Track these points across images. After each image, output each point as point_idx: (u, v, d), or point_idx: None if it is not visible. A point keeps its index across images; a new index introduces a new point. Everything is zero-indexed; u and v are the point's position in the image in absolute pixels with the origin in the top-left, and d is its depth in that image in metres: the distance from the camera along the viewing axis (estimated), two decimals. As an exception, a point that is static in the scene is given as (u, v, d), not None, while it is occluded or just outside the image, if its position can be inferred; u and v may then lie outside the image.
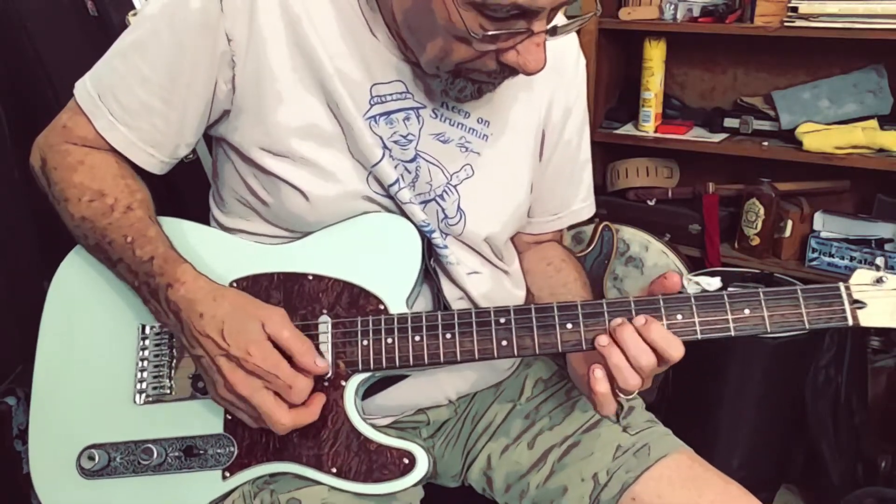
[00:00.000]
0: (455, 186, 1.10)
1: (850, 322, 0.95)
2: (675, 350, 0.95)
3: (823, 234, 2.37)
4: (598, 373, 0.96)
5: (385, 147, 1.05)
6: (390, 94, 1.05)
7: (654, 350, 0.94)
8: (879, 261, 0.98)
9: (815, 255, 2.34)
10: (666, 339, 0.94)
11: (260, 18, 1.00)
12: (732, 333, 0.97)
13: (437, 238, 1.08)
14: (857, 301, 0.96)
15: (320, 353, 1.00)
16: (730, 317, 0.97)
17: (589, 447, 1.11)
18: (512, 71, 0.96)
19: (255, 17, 1.00)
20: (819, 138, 2.22)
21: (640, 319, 0.95)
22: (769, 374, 2.04)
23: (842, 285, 0.97)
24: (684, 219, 2.54)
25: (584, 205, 1.29)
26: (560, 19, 0.96)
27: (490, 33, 0.89)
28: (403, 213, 1.07)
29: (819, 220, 2.41)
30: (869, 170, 2.20)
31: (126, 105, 1.04)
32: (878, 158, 2.17)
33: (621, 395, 0.97)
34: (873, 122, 2.23)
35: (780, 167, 2.38)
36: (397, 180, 1.05)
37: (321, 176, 1.04)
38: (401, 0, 0.96)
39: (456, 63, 0.96)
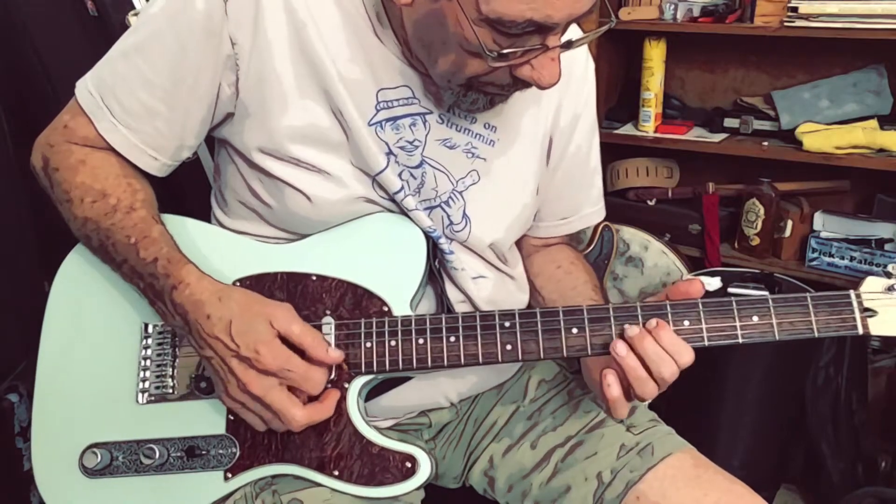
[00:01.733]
0: (461, 193, 1.09)
1: (861, 331, 0.94)
2: (685, 356, 0.95)
3: (823, 234, 2.37)
4: (610, 378, 0.97)
5: (390, 153, 1.04)
6: (396, 100, 1.04)
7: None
8: (892, 268, 0.96)
9: (815, 255, 2.34)
10: (676, 346, 0.95)
11: (264, 23, 1.00)
12: (740, 341, 0.96)
13: (443, 243, 1.08)
14: (867, 309, 0.95)
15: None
16: (738, 324, 0.96)
17: (592, 447, 1.11)
18: (525, 84, 0.95)
19: (260, 21, 1.00)
20: (819, 138, 2.22)
21: (651, 322, 0.95)
22: (769, 374, 2.04)
23: (852, 293, 0.96)
24: (684, 219, 2.54)
25: (594, 209, 1.30)
26: (574, 31, 0.95)
27: (505, 51, 0.89)
28: (409, 219, 1.06)
29: (819, 220, 2.41)
30: (869, 170, 2.20)
31: (128, 107, 1.03)
32: (878, 158, 2.18)
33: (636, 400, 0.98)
34: (873, 122, 2.23)
35: (780, 167, 2.38)
36: (402, 188, 1.05)
37: (325, 180, 1.04)
38: (411, 12, 0.95)
39: (469, 77, 0.95)
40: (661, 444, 1.09)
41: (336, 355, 0.98)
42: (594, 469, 1.08)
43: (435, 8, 0.91)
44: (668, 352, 0.94)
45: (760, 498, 1.05)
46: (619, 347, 0.95)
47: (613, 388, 0.97)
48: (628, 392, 0.97)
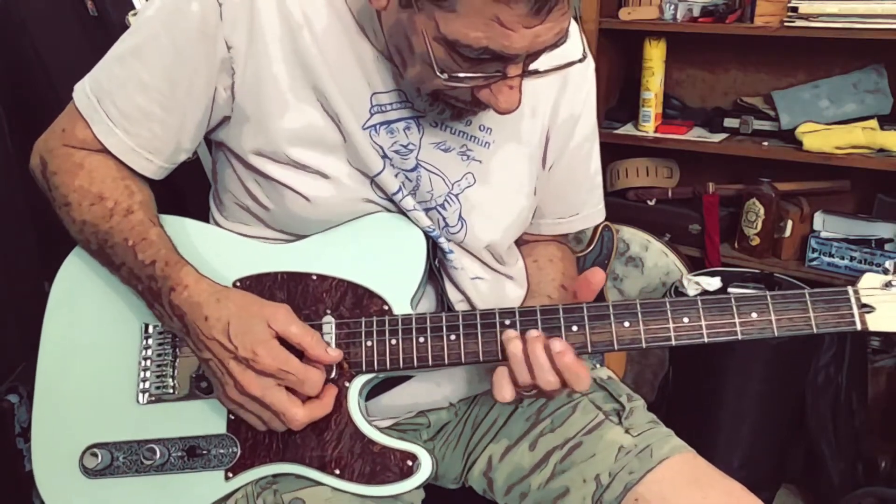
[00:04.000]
0: (456, 195, 1.09)
1: (859, 326, 0.95)
2: (579, 384, 0.96)
3: (823, 234, 2.37)
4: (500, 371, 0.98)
5: (385, 157, 1.05)
6: (390, 103, 1.04)
7: (559, 375, 0.96)
8: (889, 264, 0.97)
9: (815, 255, 2.34)
10: (573, 372, 0.95)
11: (260, 26, 1.00)
12: (739, 337, 0.96)
13: (443, 243, 1.08)
14: (865, 305, 0.95)
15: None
16: (737, 320, 0.96)
17: (591, 448, 1.10)
18: (486, 105, 0.95)
19: (255, 25, 1.00)
20: (819, 138, 2.22)
21: (556, 345, 0.95)
22: (769, 374, 2.04)
23: (850, 289, 0.96)
24: (684, 219, 2.54)
25: (595, 209, 1.30)
26: (558, 56, 0.94)
27: (460, 75, 0.89)
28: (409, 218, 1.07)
29: (819, 220, 2.41)
30: (869, 170, 2.20)
31: (124, 110, 1.03)
32: (878, 158, 2.18)
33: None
34: (873, 122, 2.23)
35: (780, 167, 2.38)
36: (399, 189, 1.05)
37: (324, 181, 1.04)
38: (386, 17, 0.96)
39: (434, 89, 0.96)
40: (660, 447, 1.08)
41: (335, 354, 0.98)
42: (592, 471, 1.08)
43: (402, 18, 0.91)
44: (560, 372, 0.96)
45: (759, 500, 1.04)
46: (509, 331, 0.97)
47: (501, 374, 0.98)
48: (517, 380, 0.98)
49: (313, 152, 1.03)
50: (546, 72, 0.93)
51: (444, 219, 1.09)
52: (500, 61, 0.89)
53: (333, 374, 1.00)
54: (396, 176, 1.05)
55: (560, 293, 1.20)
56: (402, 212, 1.06)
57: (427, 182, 1.08)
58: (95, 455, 1.03)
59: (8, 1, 1.44)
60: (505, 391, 0.98)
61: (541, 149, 1.16)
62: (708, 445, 1.14)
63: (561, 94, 1.15)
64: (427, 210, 1.08)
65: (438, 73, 0.89)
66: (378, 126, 1.04)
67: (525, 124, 1.13)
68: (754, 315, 0.96)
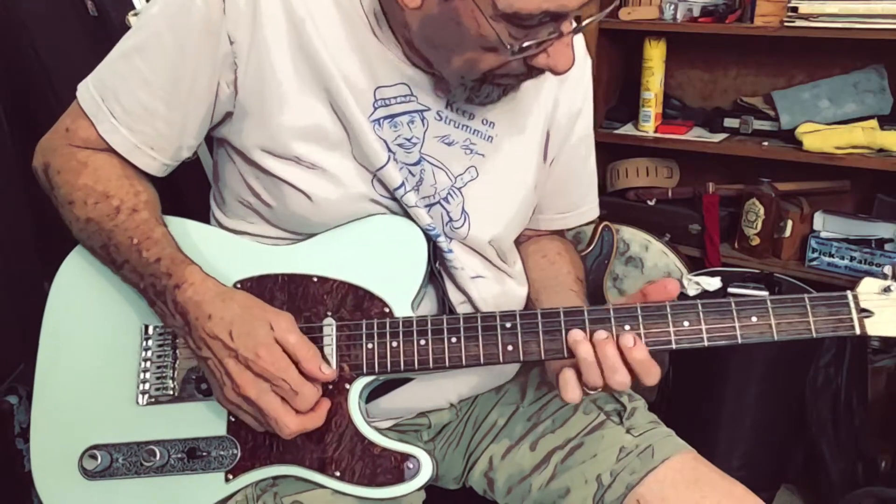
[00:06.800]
0: (459, 189, 1.09)
1: (858, 331, 0.95)
2: (650, 379, 0.96)
3: (823, 234, 2.37)
4: (568, 373, 0.98)
5: (389, 150, 1.05)
6: (394, 97, 1.04)
7: (630, 370, 0.95)
8: (888, 268, 0.98)
9: (815, 255, 2.34)
10: (644, 365, 0.95)
11: (263, 20, 1.00)
12: (739, 341, 0.96)
13: (442, 242, 1.08)
14: (864, 310, 0.96)
15: (326, 360, 1.00)
16: (737, 324, 0.96)
17: (592, 449, 1.11)
18: (540, 71, 0.96)
19: (258, 19, 1.00)
20: (819, 138, 2.23)
21: (628, 340, 0.95)
22: (769, 374, 2.04)
23: (849, 293, 0.96)
24: (684, 219, 2.55)
25: (591, 206, 1.30)
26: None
27: (525, 44, 0.90)
28: (409, 217, 1.06)
29: (819, 220, 2.41)
30: (869, 170, 2.20)
31: (128, 108, 1.03)
32: (878, 158, 2.18)
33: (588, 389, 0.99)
34: (873, 122, 2.23)
35: (780, 167, 2.38)
36: (402, 184, 1.05)
37: (325, 178, 1.03)
38: (418, 13, 0.95)
39: (484, 71, 0.96)
40: (661, 447, 1.09)
41: (329, 373, 0.98)
42: (594, 471, 1.08)
43: (448, 8, 0.91)
44: (634, 370, 0.95)
45: (760, 500, 1.05)
46: (577, 332, 0.96)
47: (571, 380, 0.98)
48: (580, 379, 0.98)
49: (316, 147, 1.03)
50: (588, 20, 0.95)
51: (447, 213, 1.09)
52: (555, 21, 0.90)
53: (334, 377, 1.00)
54: (401, 171, 1.05)
55: (579, 285, 1.20)
56: (404, 208, 1.06)
57: (430, 176, 1.08)
58: (95, 457, 1.03)
59: (8, 1, 1.44)
60: (574, 394, 0.98)
61: (542, 143, 1.16)
62: (708, 445, 1.14)
63: (560, 89, 1.16)
64: (430, 206, 1.08)
65: (507, 47, 0.90)
66: (382, 120, 1.04)
67: (527, 119, 1.13)
68: (754, 319, 0.96)
